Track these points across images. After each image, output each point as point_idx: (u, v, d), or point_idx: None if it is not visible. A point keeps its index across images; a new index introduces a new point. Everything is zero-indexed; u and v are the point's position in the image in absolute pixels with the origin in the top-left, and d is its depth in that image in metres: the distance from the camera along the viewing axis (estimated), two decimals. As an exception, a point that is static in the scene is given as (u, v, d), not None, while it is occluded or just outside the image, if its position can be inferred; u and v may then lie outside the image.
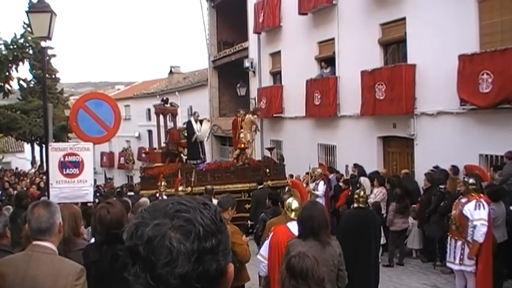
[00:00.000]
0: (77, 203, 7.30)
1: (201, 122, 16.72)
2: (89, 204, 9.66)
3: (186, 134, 17.14)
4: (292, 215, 5.88)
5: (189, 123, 16.79)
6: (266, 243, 5.77)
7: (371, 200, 11.66)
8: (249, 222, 12.88)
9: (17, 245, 4.32)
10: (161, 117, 19.88)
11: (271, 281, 5.59)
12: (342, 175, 15.34)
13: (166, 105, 19.76)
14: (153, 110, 22.12)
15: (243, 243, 6.09)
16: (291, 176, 16.43)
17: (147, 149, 21.01)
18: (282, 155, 17.81)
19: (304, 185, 14.54)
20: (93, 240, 4.62)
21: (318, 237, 4.71)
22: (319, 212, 4.86)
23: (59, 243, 3.59)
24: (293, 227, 5.57)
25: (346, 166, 15.58)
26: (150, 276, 1.17)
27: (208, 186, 12.27)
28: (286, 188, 12.88)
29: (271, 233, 5.77)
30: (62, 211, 3.84)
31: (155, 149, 20.78)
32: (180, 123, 19.72)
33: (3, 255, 3.63)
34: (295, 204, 6.01)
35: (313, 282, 3.56)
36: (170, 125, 19.94)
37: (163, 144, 19.43)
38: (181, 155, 17.30)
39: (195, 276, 1.17)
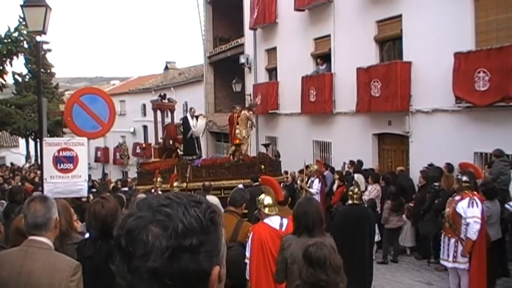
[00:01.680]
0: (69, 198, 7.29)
1: (197, 117, 16.69)
2: (83, 199, 9.66)
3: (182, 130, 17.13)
4: (266, 210, 5.80)
5: (185, 118, 16.76)
6: (248, 244, 5.65)
7: (365, 197, 11.68)
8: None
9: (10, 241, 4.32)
10: (158, 112, 19.84)
11: (251, 283, 5.52)
12: (340, 172, 15.32)
13: (163, 100, 19.71)
14: (148, 106, 22.09)
15: None
16: (286, 172, 16.44)
17: (144, 145, 20.98)
18: (278, 151, 17.80)
19: (299, 182, 14.56)
20: (87, 235, 4.62)
21: (312, 234, 4.70)
22: (313, 209, 4.84)
23: (55, 237, 3.59)
24: (271, 222, 5.57)
25: (344, 163, 15.59)
26: (127, 267, 1.18)
27: (206, 183, 12.24)
28: (281, 184, 12.81)
29: (251, 233, 5.68)
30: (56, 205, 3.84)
31: (151, 144, 20.75)
32: (176, 119, 19.65)
33: None
34: (267, 200, 5.92)
35: (330, 270, 3.58)
36: (167, 120, 19.89)
37: (160, 140, 19.39)
38: (178, 150, 17.28)
39: (168, 273, 1.16)
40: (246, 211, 7.10)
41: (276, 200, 6.26)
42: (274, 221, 5.61)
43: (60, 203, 4.49)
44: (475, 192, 7.89)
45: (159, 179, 12.83)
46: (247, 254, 5.64)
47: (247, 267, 5.61)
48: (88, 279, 3.69)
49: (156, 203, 1.23)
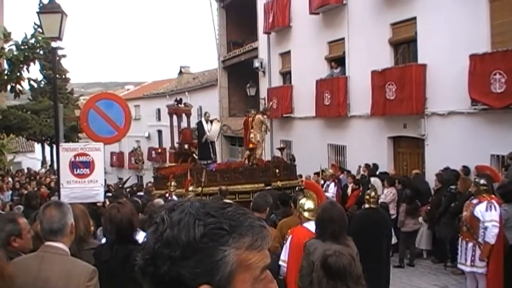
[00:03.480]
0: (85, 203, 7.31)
1: (211, 122, 16.71)
2: (98, 204, 9.69)
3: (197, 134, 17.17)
4: (306, 214, 5.82)
5: (199, 123, 16.80)
6: (285, 247, 5.69)
7: (380, 201, 11.62)
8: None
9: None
10: (174, 117, 19.88)
11: (287, 283, 5.54)
12: (353, 175, 15.26)
13: (180, 105, 19.74)
14: (163, 110, 22.12)
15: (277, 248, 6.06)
16: (300, 176, 16.39)
17: (160, 150, 21.04)
18: (293, 155, 17.76)
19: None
20: (103, 240, 4.63)
21: (338, 240, 4.68)
22: (339, 215, 4.84)
23: (72, 242, 3.59)
24: (311, 226, 5.54)
25: (359, 166, 15.52)
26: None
27: (223, 187, 12.23)
28: (297, 188, 12.78)
29: (290, 236, 5.70)
30: (74, 210, 3.85)
31: (170, 148, 20.82)
32: (192, 123, 19.69)
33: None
34: (309, 204, 5.94)
35: (351, 281, 3.55)
36: (183, 125, 19.92)
37: (176, 145, 19.43)
38: (194, 155, 17.31)
39: (148, 272, 1.20)
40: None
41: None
42: (314, 225, 5.59)
43: (78, 208, 4.52)
44: (493, 196, 7.81)
45: (173, 183, 12.86)
46: (283, 257, 5.65)
47: (284, 269, 5.62)
48: (105, 283, 3.70)
49: (172, 205, 1.27)
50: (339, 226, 4.75)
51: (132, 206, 4.51)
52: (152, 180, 18.21)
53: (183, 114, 19.99)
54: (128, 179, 27.56)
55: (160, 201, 8.44)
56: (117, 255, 4.00)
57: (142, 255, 1.20)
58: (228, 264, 1.17)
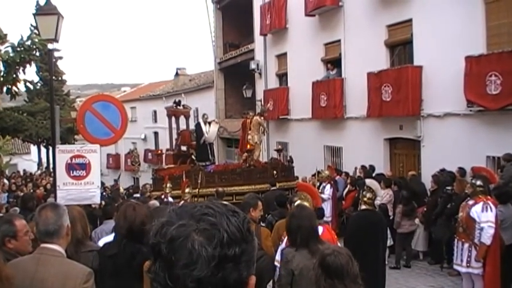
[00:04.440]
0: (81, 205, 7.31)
1: (209, 123, 16.71)
2: (94, 206, 9.68)
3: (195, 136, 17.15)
4: None
5: (198, 125, 16.80)
6: (280, 248, 5.70)
7: (377, 202, 11.62)
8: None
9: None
10: (173, 119, 19.84)
11: None
12: (351, 177, 15.28)
13: (178, 107, 19.71)
14: (159, 112, 22.08)
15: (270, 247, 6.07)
16: (297, 178, 16.40)
17: (159, 151, 21.00)
18: (290, 156, 17.77)
19: (311, 188, 14.50)
20: (104, 241, 4.67)
21: (308, 245, 4.69)
22: (305, 221, 4.82)
23: (69, 244, 3.60)
24: None
25: (356, 168, 15.55)
26: (168, 275, 1.18)
27: (220, 189, 12.23)
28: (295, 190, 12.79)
29: (285, 238, 5.72)
30: (72, 212, 3.85)
31: (167, 150, 20.77)
32: (190, 125, 19.64)
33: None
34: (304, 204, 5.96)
35: (348, 280, 3.56)
36: (181, 127, 19.86)
37: (174, 146, 19.38)
38: (193, 156, 17.30)
39: (213, 282, 1.17)
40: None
41: (315, 206, 6.25)
42: None
43: (76, 210, 4.53)
44: (489, 197, 7.83)
45: (168, 185, 12.85)
46: (278, 258, 5.65)
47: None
48: (109, 280, 3.71)
49: (197, 211, 1.24)
50: (306, 233, 4.74)
51: (147, 210, 4.56)
52: (151, 181, 18.20)
53: (182, 116, 19.95)
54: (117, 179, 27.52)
55: (156, 203, 8.45)
56: (125, 251, 4.04)
57: (201, 267, 1.16)
58: (256, 251, 1.30)
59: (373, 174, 14.15)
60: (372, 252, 6.86)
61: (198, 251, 1.16)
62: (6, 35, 10.42)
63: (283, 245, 5.69)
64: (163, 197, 12.45)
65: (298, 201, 6.15)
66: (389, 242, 11.21)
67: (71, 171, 8.12)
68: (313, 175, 15.20)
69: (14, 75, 10.66)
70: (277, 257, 5.71)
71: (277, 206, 8.97)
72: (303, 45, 19.78)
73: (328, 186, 13.95)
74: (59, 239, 3.39)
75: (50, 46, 9.96)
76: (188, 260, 1.16)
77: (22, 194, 14.59)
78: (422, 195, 12.24)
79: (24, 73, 10.95)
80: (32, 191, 17.41)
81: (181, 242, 1.18)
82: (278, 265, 5.65)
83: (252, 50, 24.60)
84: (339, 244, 5.55)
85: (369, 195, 7.43)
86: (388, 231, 9.69)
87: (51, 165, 24.69)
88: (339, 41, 17.61)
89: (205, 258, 1.16)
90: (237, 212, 1.28)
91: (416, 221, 11.56)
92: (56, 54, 35.42)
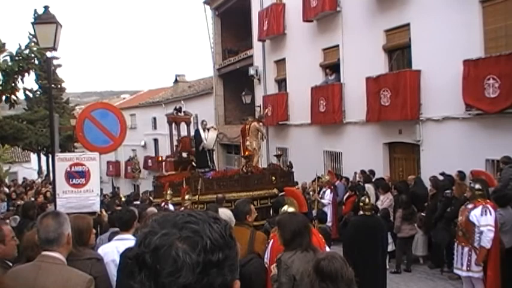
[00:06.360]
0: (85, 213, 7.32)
1: (208, 130, 16.71)
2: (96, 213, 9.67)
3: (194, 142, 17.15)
4: None
5: (196, 131, 16.80)
6: (268, 250, 5.69)
7: (379, 207, 11.63)
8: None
9: (23, 256, 4.35)
10: (173, 125, 19.83)
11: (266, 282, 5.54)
12: (351, 182, 15.28)
13: (179, 113, 19.69)
14: (158, 119, 22.06)
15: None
16: (296, 183, 16.38)
17: (161, 158, 21.01)
18: (290, 161, 17.77)
19: (311, 193, 14.48)
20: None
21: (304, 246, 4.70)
22: (297, 226, 4.83)
23: (70, 251, 3.61)
24: None
25: (355, 173, 15.56)
26: (154, 284, 1.19)
27: (220, 195, 12.25)
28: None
29: (272, 240, 5.70)
30: (80, 222, 3.87)
31: (167, 157, 20.76)
32: (191, 131, 19.63)
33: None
34: (290, 210, 5.97)
35: (342, 284, 3.57)
36: (182, 133, 19.84)
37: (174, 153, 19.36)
38: (193, 163, 17.29)
39: None
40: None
41: (300, 212, 6.26)
42: None
43: (86, 220, 4.57)
44: (488, 200, 7.84)
45: (169, 192, 12.84)
46: (266, 259, 5.64)
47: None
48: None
49: (180, 220, 1.26)
50: (300, 237, 4.75)
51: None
52: (152, 188, 18.20)
53: (183, 123, 19.94)
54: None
55: (154, 209, 8.43)
56: None
57: (186, 274, 1.17)
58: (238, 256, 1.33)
59: (373, 179, 14.19)
60: (371, 256, 6.88)
61: (182, 258, 1.18)
62: (4, 44, 10.46)
63: (269, 246, 5.68)
64: (163, 204, 12.42)
65: (285, 206, 6.16)
66: (391, 247, 11.24)
67: (70, 179, 8.13)
68: (313, 181, 15.19)
69: (13, 84, 10.70)
70: (265, 258, 5.71)
71: (274, 212, 8.95)
72: (302, 51, 19.83)
73: (328, 191, 13.96)
74: (59, 247, 3.40)
75: (48, 54, 9.99)
76: (173, 268, 1.17)
77: (22, 202, 14.53)
78: (424, 200, 12.23)
79: (22, 82, 11.00)
80: (33, 199, 17.37)
81: (166, 251, 1.19)
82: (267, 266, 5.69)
83: (251, 56, 24.67)
84: (327, 248, 5.55)
85: (367, 200, 7.46)
86: (389, 236, 9.72)
87: (51, 173, 24.69)
88: (337, 46, 17.65)
89: (189, 265, 1.17)
90: (219, 218, 1.31)
91: (416, 225, 11.56)
92: (54, 62, 35.57)
